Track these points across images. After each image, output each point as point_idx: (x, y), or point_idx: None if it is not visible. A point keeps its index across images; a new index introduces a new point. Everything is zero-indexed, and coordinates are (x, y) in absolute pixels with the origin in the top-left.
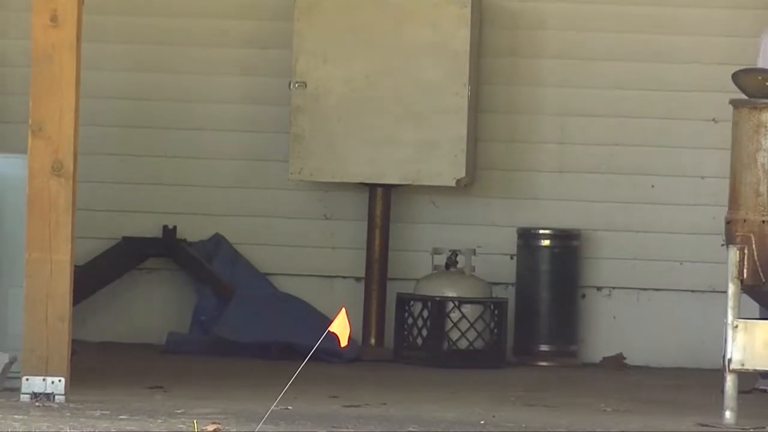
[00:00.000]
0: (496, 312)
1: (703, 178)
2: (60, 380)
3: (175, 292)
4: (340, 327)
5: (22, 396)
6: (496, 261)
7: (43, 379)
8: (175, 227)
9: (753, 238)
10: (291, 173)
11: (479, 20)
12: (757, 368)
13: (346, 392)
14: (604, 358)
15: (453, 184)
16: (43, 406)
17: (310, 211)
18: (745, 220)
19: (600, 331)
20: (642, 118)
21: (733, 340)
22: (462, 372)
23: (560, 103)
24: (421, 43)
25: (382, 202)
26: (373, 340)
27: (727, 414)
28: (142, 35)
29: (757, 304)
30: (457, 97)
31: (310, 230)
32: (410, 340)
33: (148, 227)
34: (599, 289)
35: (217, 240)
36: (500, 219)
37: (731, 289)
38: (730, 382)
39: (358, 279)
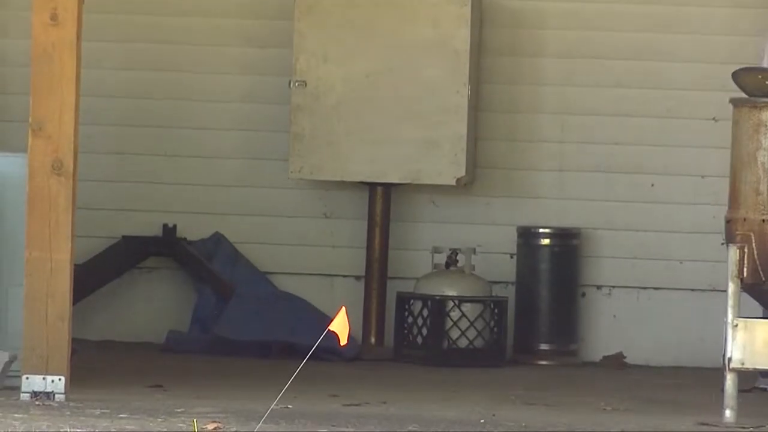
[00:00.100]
0: (496, 311)
1: (703, 177)
2: (60, 379)
3: (175, 291)
4: (340, 326)
5: (22, 395)
6: (496, 260)
7: (43, 378)
8: (175, 226)
9: (753, 237)
10: (291, 172)
11: (479, 19)
12: (757, 367)
13: (346, 391)
14: (604, 357)
15: (453, 182)
16: (43, 404)
17: (310, 209)
18: (745, 219)
19: (600, 329)
20: (642, 116)
21: (733, 338)
22: (462, 371)
23: (560, 102)
24: (421, 42)
25: (382, 200)
26: (373, 339)
27: (727, 413)
28: (142, 34)
29: (757, 303)
30: (458, 95)
31: (310, 229)
32: (410, 338)
33: (148, 226)
34: (599, 287)
35: (217, 239)
36: (500, 218)
37: (731, 287)
38: (730, 381)
39: (358, 278)
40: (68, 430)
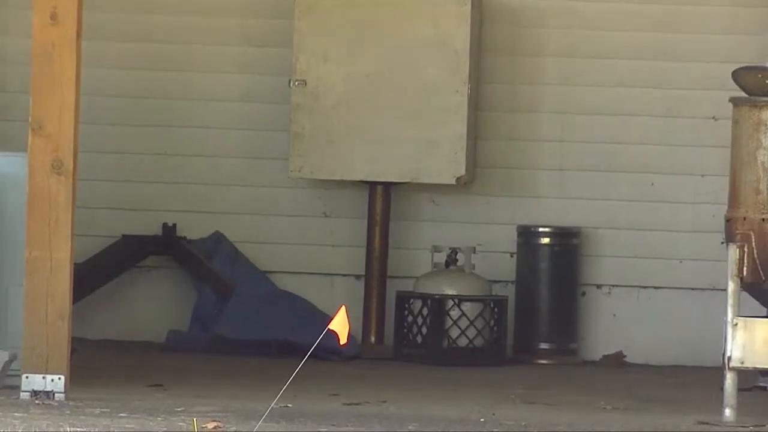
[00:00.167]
0: (496, 310)
1: (703, 176)
2: (60, 378)
3: (174, 290)
4: (340, 325)
5: (22, 394)
6: (496, 259)
7: (43, 377)
8: (174, 225)
9: (753, 236)
10: (291, 171)
11: (479, 18)
12: (757, 366)
13: (346, 390)
14: (604, 356)
15: (453, 182)
16: (43, 403)
17: (310, 209)
18: (745, 218)
19: (600, 328)
20: (642, 116)
21: (733, 337)
22: (462, 370)
23: (560, 101)
24: (421, 41)
25: (382, 199)
26: (372, 338)
27: (727, 411)
28: (142, 33)
29: (758, 302)
30: (458, 95)
31: (310, 228)
32: (410, 338)
33: (148, 225)
34: (599, 286)
35: (217, 238)
36: (500, 217)
37: (731, 286)
38: (729, 380)
39: (357, 277)
40: (68, 429)
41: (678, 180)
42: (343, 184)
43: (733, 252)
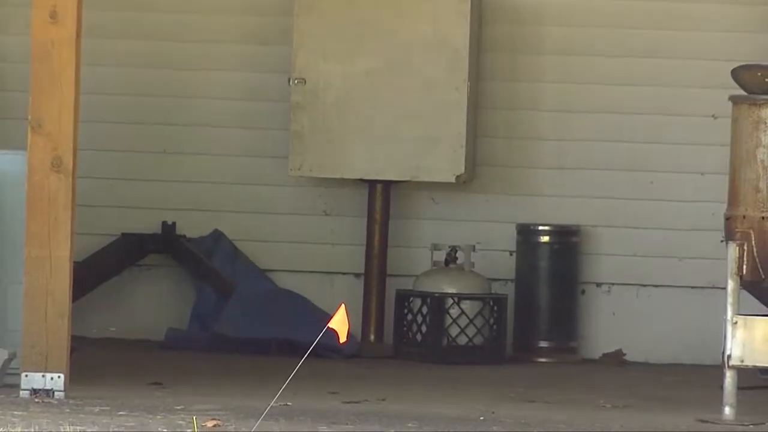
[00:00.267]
0: (495, 308)
1: (702, 174)
2: (59, 376)
3: (174, 289)
4: (340, 323)
5: (21, 392)
6: (496, 257)
7: (43, 376)
8: (174, 223)
9: (752, 235)
10: (290, 169)
11: (479, 16)
12: (757, 364)
13: (346, 388)
14: (604, 355)
15: (452, 180)
16: (43, 402)
17: (309, 207)
18: (744, 217)
19: (599, 327)
20: (642, 114)
21: (733, 336)
22: (461, 368)
23: (560, 100)
24: (421, 39)
25: (382, 198)
26: (372, 336)
27: (727, 410)
28: (142, 31)
29: (758, 300)
30: (457, 93)
31: (310, 226)
32: (410, 336)
33: (148, 223)
34: (599, 285)
35: (217, 236)
36: (500, 215)
37: (731, 285)
38: (729, 378)
39: (357, 275)
40: (68, 427)
41: (678, 178)
42: (342, 182)
43: (733, 250)
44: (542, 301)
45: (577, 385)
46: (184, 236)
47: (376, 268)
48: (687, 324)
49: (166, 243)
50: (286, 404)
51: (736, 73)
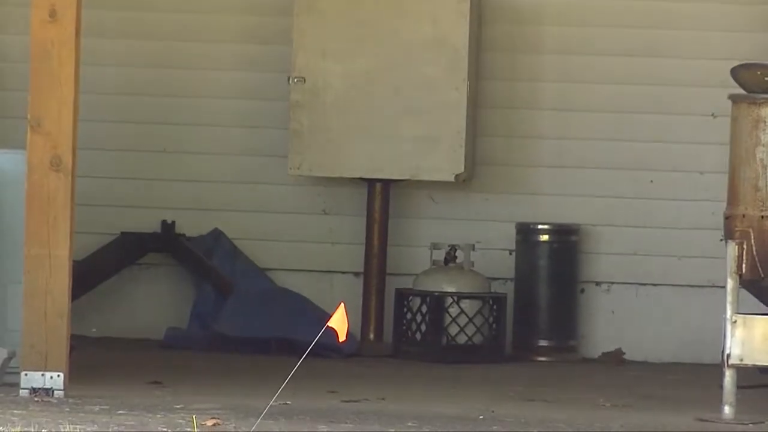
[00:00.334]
0: (494, 307)
1: (701, 173)
2: (59, 375)
3: (174, 288)
4: (339, 322)
5: (21, 391)
6: (495, 256)
7: (42, 375)
8: (173, 222)
9: (752, 233)
10: (290, 168)
11: (478, 15)
12: (756, 363)
13: (345, 387)
14: (603, 354)
15: (452, 179)
16: (42, 401)
17: (308, 206)
18: (743, 216)
19: (599, 326)
20: (641, 113)
21: (732, 335)
22: (461, 367)
23: (559, 99)
24: (420, 38)
25: (381, 197)
26: (371, 335)
27: (726, 409)
28: (141, 30)
29: (757, 299)
30: (456, 92)
31: (309, 225)
32: (409, 335)
33: (147, 222)
34: (598, 284)
35: (216, 235)
36: (499, 214)
37: (730, 284)
38: (728, 377)
39: (356, 274)
40: (67, 426)
41: (677, 177)
42: (342, 181)
43: (732, 249)
44: (542, 300)
45: (577, 384)
46: (184, 235)
47: (375, 267)
48: (686, 323)
49: (165, 242)
50: (286, 403)
51: (735, 72)
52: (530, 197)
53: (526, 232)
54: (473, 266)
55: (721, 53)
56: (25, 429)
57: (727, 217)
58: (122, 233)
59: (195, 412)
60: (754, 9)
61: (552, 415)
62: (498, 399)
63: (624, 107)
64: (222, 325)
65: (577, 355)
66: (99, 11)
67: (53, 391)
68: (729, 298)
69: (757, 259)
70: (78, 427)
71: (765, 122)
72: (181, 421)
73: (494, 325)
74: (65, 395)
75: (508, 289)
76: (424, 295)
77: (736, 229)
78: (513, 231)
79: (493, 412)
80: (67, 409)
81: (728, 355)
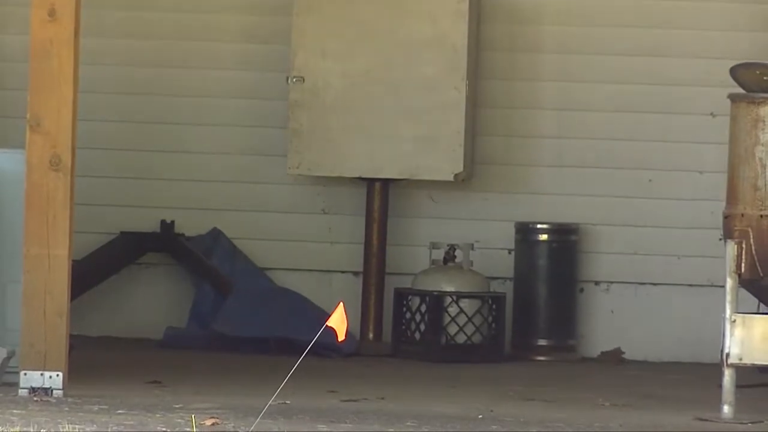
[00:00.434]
0: (494, 307)
1: (701, 172)
2: (58, 375)
3: (173, 287)
4: (338, 321)
5: (20, 390)
6: (494, 255)
7: (42, 374)
8: (173, 222)
9: (751, 233)
10: (289, 168)
11: (477, 15)
12: (755, 362)
13: (345, 387)
14: (603, 353)
15: (451, 178)
16: (42, 400)
17: (308, 205)
18: (743, 215)
19: (598, 325)
20: (640, 112)
21: (731, 334)
22: (460, 367)
23: (558, 98)
24: (419, 37)
25: (380, 196)
26: (371, 335)
27: (725, 408)
28: (141, 30)
29: (756, 299)
30: (456, 91)
31: (308, 225)
32: (408, 334)
33: (146, 222)
34: (597, 283)
35: (216, 234)
36: (498, 213)
37: (729, 283)
38: (728, 377)
39: (356, 273)
40: (66, 425)
41: (676, 176)
42: (341, 180)
43: (731, 248)
44: (541, 300)
45: (576, 384)
46: (183, 235)
47: (374, 266)
48: (686, 322)
49: (164, 241)
50: (285, 403)
51: (734, 72)
52: (529, 197)
53: (525, 231)
54: (472, 266)
55: (721, 52)
56: (24, 428)
57: (726, 217)
58: (121, 233)
59: (194, 411)
60: (754, 8)
61: (551, 415)
62: (497, 398)
63: (624, 107)
64: (221, 324)
65: (577, 354)
66: (99, 11)
67: (52, 391)
68: (728, 298)
69: (756, 258)
70: (77, 426)
71: (764, 121)
72: (180, 420)
73: (493, 325)
74: (64, 395)
75: (508, 289)
76: (423, 294)
77: (736, 228)
78: (512, 230)
79: (492, 411)
80: (67, 409)
81: (727, 355)
